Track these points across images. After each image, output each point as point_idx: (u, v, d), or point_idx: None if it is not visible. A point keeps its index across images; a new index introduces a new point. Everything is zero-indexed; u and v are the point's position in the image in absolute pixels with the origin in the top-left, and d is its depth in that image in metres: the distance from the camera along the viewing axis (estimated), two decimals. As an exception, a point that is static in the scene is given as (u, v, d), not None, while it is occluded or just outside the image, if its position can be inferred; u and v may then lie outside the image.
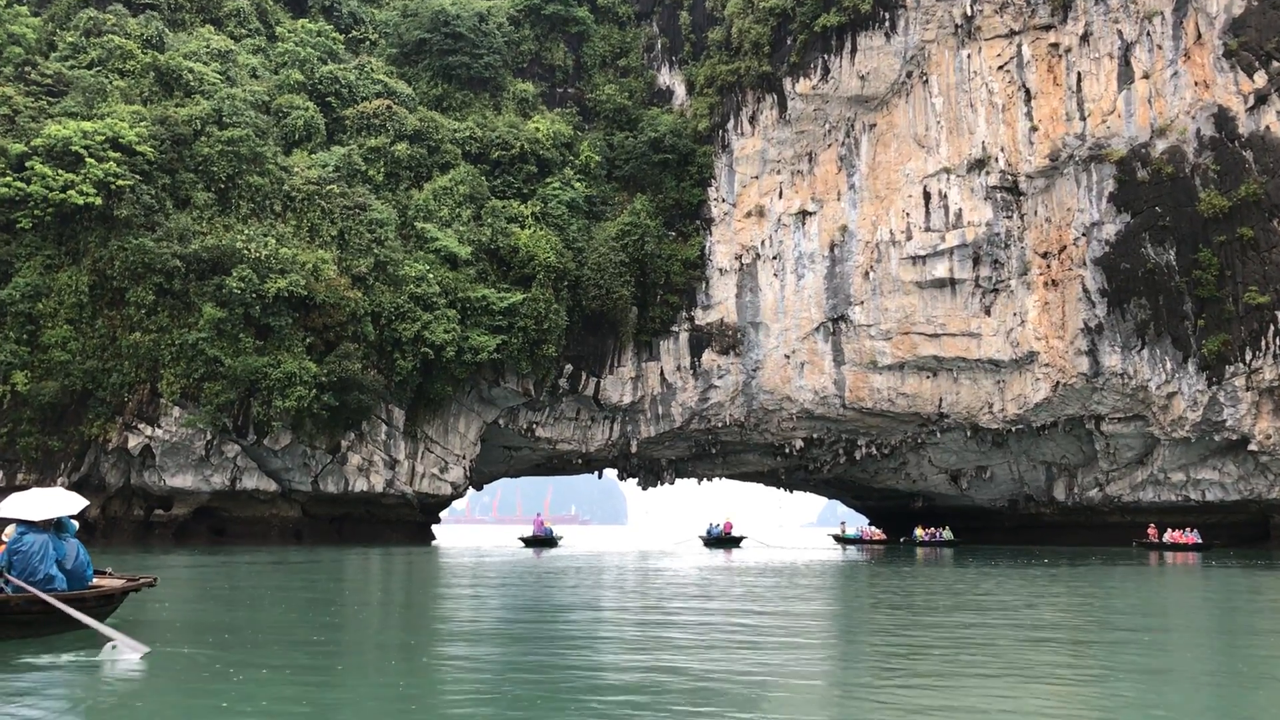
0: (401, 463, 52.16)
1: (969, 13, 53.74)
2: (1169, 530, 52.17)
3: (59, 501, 13.00)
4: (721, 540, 59.38)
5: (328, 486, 50.93)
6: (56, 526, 12.98)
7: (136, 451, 46.51)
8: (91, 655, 11.31)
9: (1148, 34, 51.21)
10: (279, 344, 46.27)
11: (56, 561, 12.66)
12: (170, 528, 49.36)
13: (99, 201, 43.62)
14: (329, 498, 51.71)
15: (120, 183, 44.06)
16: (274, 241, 46.80)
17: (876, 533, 69.42)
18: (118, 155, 44.56)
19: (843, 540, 70.29)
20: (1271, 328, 47.39)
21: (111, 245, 44.49)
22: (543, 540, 55.83)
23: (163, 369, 45.37)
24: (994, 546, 57.07)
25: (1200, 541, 50.07)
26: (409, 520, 56.81)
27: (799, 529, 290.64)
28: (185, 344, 44.99)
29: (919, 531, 61.82)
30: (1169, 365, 50.41)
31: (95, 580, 13.64)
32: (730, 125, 60.03)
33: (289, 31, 58.56)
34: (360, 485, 51.19)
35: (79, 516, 16.21)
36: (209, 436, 46.73)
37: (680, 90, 64.16)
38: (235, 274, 44.83)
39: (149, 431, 46.11)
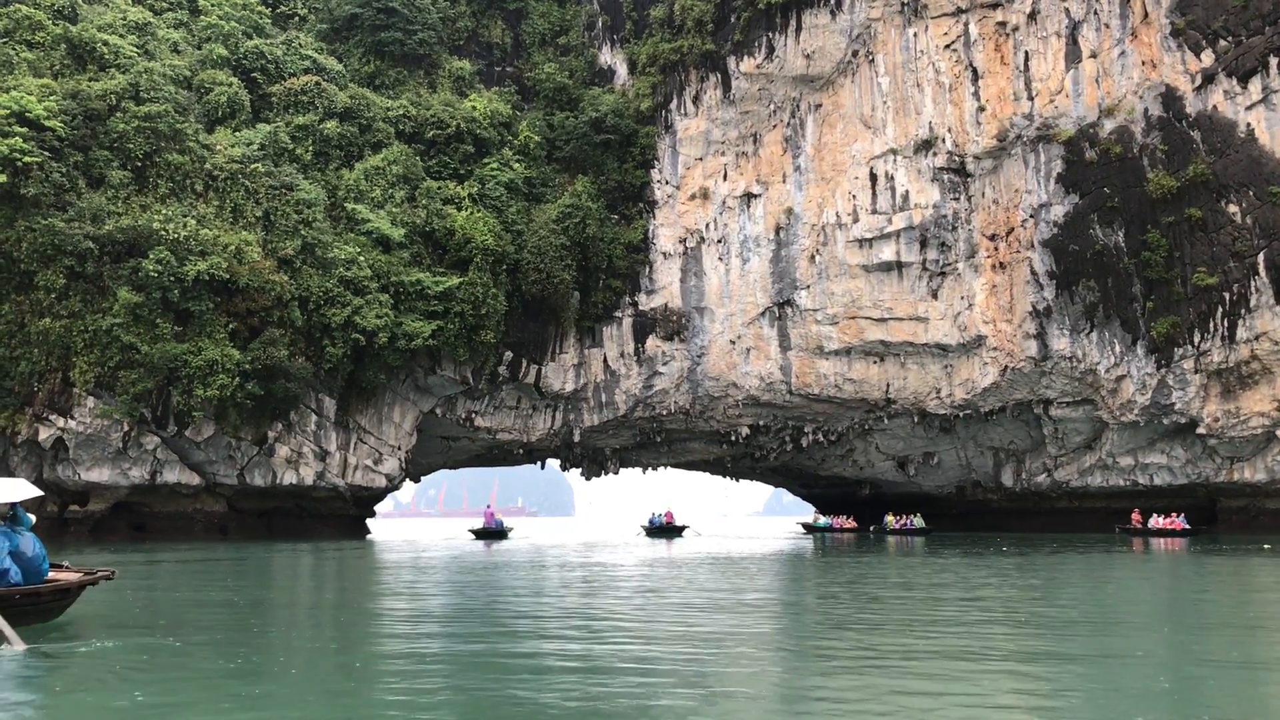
0: (333, 454, 50.08)
1: (915, -10, 52.63)
2: (1154, 516, 50.84)
3: (7, 489, 12.55)
4: (663, 530, 59.23)
5: (254, 479, 48.73)
6: (11, 519, 12.61)
7: (48, 444, 44.02)
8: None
9: (1095, 12, 50.44)
10: (199, 330, 43.98)
11: (11, 553, 12.29)
12: (87, 524, 46.88)
13: (4, 179, 40.99)
14: (256, 491, 49.50)
15: (27, 159, 41.47)
16: (194, 222, 44.47)
17: (848, 521, 66.85)
18: (24, 130, 41.92)
19: (813, 529, 68.54)
20: (1220, 309, 46.90)
21: (19, 226, 41.91)
22: (493, 532, 55.25)
23: (75, 357, 42.94)
24: (966, 534, 55.77)
25: (1187, 527, 48.57)
26: (342, 514, 54.64)
27: (745, 518, 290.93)
28: (99, 330, 42.59)
29: (890, 519, 60.15)
30: (1118, 348, 49.80)
31: (51, 574, 13.20)
32: (673, 105, 58.49)
33: (212, 5, 55.90)
34: (289, 478, 49.06)
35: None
36: (126, 428, 44.33)
37: (622, 70, 62.48)
38: (152, 256, 42.48)
39: (61, 423, 43.63)
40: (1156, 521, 50.06)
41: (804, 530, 70.92)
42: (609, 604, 16.75)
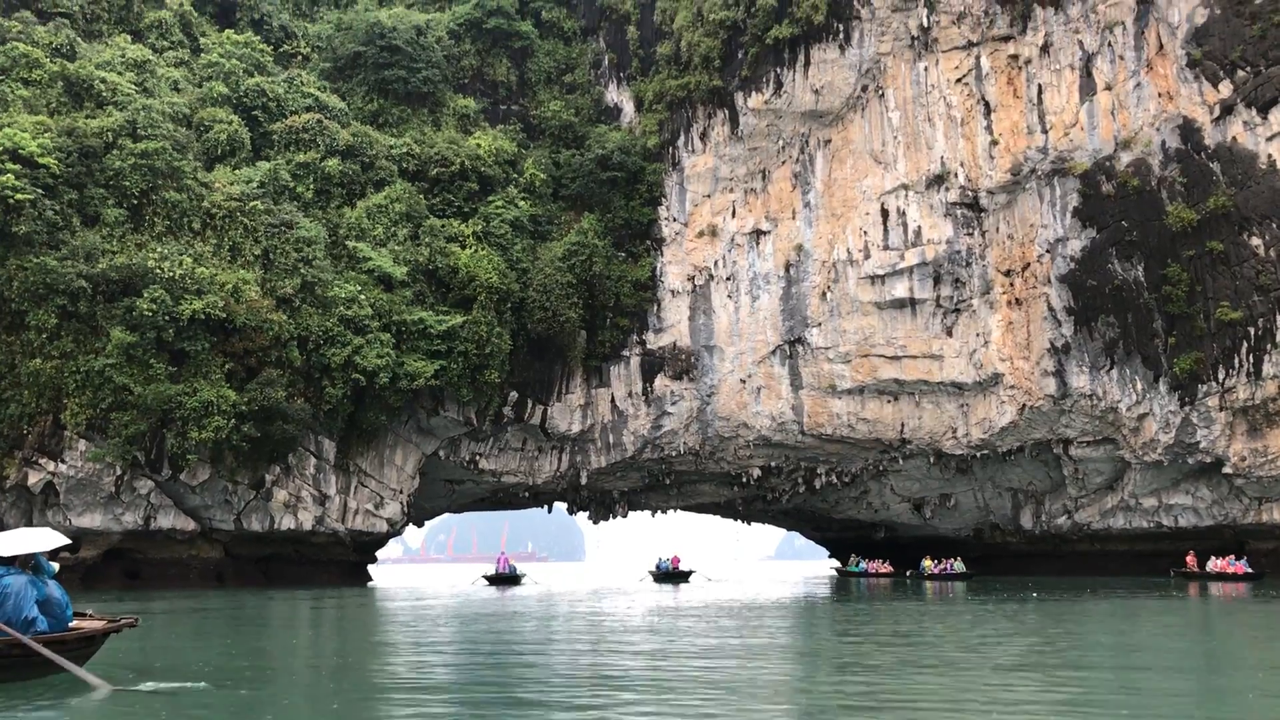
0: (332, 498, 48.72)
1: (925, 24, 51.77)
2: (1211, 558, 48.67)
3: (31, 539, 12.64)
4: (670, 575, 58.00)
5: (252, 524, 47.40)
6: (34, 568, 12.67)
7: (38, 489, 42.81)
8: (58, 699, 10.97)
9: (1109, 44, 49.52)
10: (195, 370, 42.86)
11: (38, 602, 12.34)
12: (78, 571, 45.41)
13: (-5, 217, 40.16)
14: (253, 537, 48.15)
15: (20, 197, 40.62)
16: (190, 260, 43.47)
17: (883, 566, 63.52)
18: (17, 168, 41.10)
19: (847, 573, 66.13)
20: (1245, 345, 45.45)
21: (10, 264, 41.00)
22: (507, 578, 54.52)
23: (66, 398, 41.82)
24: (1008, 578, 53.60)
25: (1249, 571, 46.38)
26: (342, 560, 53.27)
27: (757, 562, 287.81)
28: (91, 371, 41.50)
29: (927, 564, 57.65)
30: (1139, 385, 48.32)
31: (75, 622, 13.25)
32: (680, 142, 57.64)
33: (213, 43, 55.38)
34: (287, 523, 47.69)
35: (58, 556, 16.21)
36: (119, 471, 43.12)
37: (629, 107, 61.76)
38: (146, 295, 41.47)
39: (52, 467, 42.46)
40: (1214, 565, 47.84)
41: (837, 574, 68.71)
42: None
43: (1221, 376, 46.21)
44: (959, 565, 55.78)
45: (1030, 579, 50.83)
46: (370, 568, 62.66)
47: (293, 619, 27.04)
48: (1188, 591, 37.48)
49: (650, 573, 62.41)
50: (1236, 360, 45.77)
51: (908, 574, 60.68)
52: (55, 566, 13.23)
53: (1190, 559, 49.96)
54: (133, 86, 48.46)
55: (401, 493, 52.24)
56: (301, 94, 54.55)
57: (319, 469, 48.16)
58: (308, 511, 47.99)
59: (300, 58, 59.86)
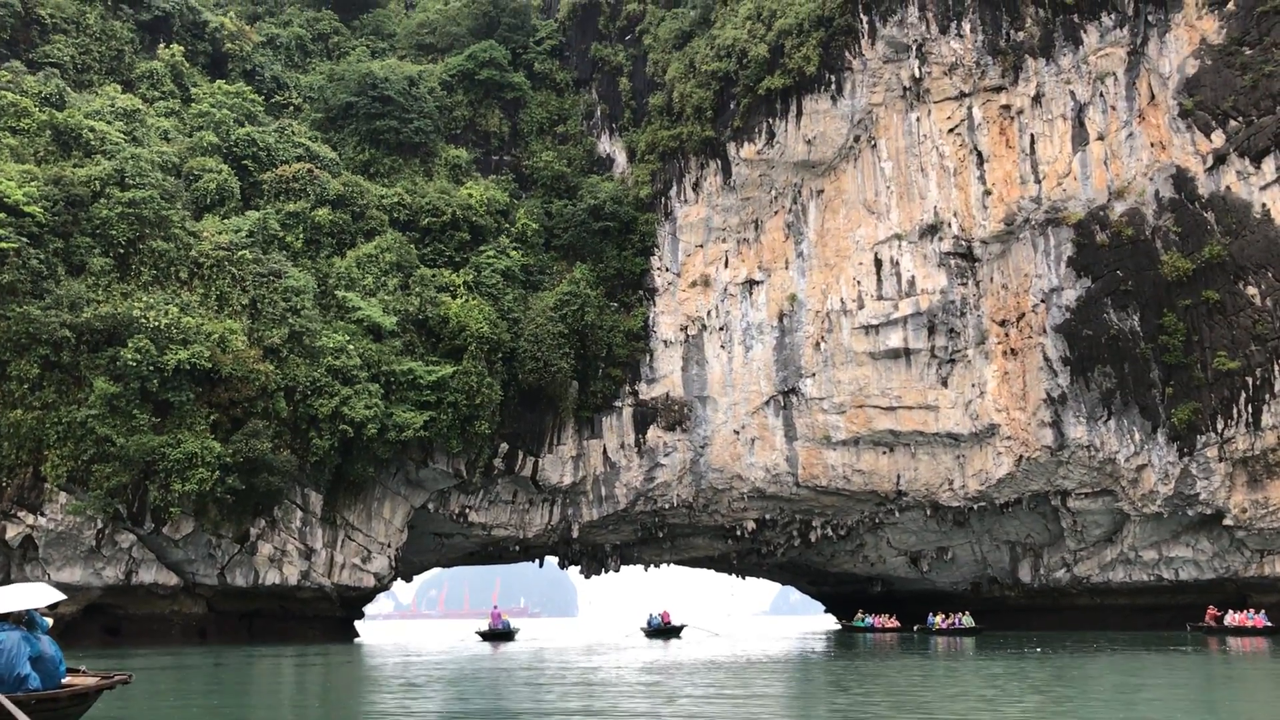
0: (319, 552, 47.73)
1: (917, 74, 51.85)
2: (1230, 612, 47.87)
3: (27, 595, 12.45)
4: (662, 631, 57.05)
5: (236, 579, 46.38)
6: (28, 624, 12.38)
7: (16, 543, 41.76)
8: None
9: (1101, 95, 49.61)
10: (179, 421, 42.07)
11: (31, 659, 12.06)
12: (57, 628, 44.12)
13: (-22, 266, 39.60)
14: (237, 591, 47.06)
15: (3, 245, 40.08)
16: (176, 310, 42.86)
17: (890, 620, 62.08)
18: (2, 216, 40.61)
19: (853, 629, 64.83)
20: (1243, 394, 44.98)
21: (-8, 314, 40.35)
22: (500, 634, 54.34)
23: (47, 450, 40.94)
24: (1010, 633, 52.37)
25: (1269, 624, 45.65)
26: (328, 615, 52.08)
27: (751, 617, 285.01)
28: (73, 422, 40.70)
29: (935, 619, 56.47)
30: (1137, 436, 47.74)
31: (68, 678, 12.98)
32: (673, 192, 57.51)
33: (205, 93, 55.28)
34: (272, 577, 46.67)
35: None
36: (100, 525, 42.17)
37: (621, 158, 61.72)
38: (131, 345, 40.80)
39: (31, 520, 41.46)
40: (1233, 618, 46.94)
41: (842, 629, 67.40)
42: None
43: (1220, 427, 45.69)
44: (968, 620, 54.68)
45: (1033, 634, 49.81)
46: (358, 624, 61.51)
47: (275, 679, 26.13)
48: (1207, 646, 36.34)
49: (642, 629, 61.44)
50: (1235, 410, 45.28)
51: (915, 629, 59.45)
52: (49, 622, 12.98)
53: (1211, 612, 48.71)
54: (122, 135, 48.20)
55: (389, 546, 51.25)
56: (292, 144, 54.38)
57: (305, 522, 47.24)
58: (293, 566, 46.99)
59: (292, 108, 59.84)
